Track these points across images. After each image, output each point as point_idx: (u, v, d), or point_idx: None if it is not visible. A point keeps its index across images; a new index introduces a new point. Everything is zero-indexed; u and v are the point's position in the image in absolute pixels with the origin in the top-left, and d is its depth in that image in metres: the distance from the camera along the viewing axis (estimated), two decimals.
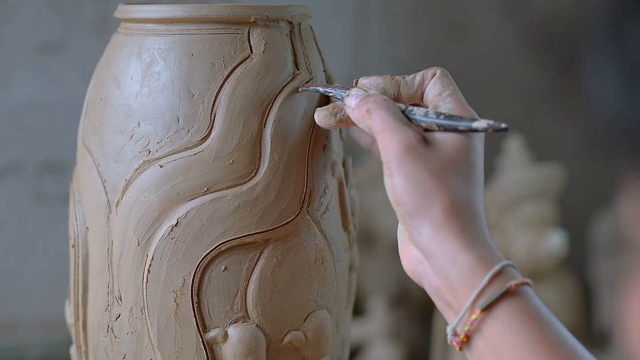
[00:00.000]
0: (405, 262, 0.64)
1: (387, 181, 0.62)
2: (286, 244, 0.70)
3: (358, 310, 1.50)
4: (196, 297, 0.68)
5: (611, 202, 1.58)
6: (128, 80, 0.69)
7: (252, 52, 0.69)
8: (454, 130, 0.62)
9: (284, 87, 0.70)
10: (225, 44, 0.69)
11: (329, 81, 0.74)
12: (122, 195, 0.69)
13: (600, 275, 1.52)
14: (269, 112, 0.69)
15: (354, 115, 0.65)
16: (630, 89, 0.42)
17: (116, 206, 0.69)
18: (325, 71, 0.74)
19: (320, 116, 0.69)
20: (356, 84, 0.69)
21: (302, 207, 0.70)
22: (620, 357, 1.45)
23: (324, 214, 0.72)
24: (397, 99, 0.67)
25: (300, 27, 0.72)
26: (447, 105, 0.64)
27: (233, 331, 0.69)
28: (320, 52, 0.74)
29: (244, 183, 0.68)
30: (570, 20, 1.45)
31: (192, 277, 0.67)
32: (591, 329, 1.53)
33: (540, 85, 1.56)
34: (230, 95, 0.68)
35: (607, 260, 1.51)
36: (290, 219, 0.69)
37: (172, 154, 0.68)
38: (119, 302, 0.69)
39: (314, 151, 0.71)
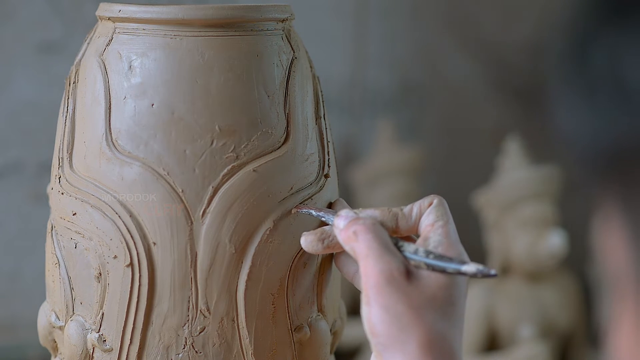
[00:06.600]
0: None
1: (364, 310, 0.60)
2: None
3: (358, 311, 1.50)
4: (289, 297, 0.67)
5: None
6: (193, 85, 0.66)
7: (294, 52, 0.69)
8: (442, 271, 0.61)
9: (313, 84, 0.71)
10: (275, 44, 0.68)
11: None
12: (209, 204, 0.65)
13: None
14: (318, 108, 0.70)
15: (340, 237, 0.64)
16: (597, 116, 0.40)
17: (202, 216, 0.65)
18: None
19: (308, 240, 0.66)
20: None
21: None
22: None
23: None
24: (395, 231, 0.65)
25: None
26: (436, 238, 0.63)
27: (313, 325, 0.69)
28: None
29: (318, 179, 0.69)
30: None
31: (287, 277, 0.67)
32: (591, 329, 1.53)
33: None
34: (294, 95, 0.68)
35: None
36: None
37: (261, 156, 0.66)
38: (206, 314, 0.66)
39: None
